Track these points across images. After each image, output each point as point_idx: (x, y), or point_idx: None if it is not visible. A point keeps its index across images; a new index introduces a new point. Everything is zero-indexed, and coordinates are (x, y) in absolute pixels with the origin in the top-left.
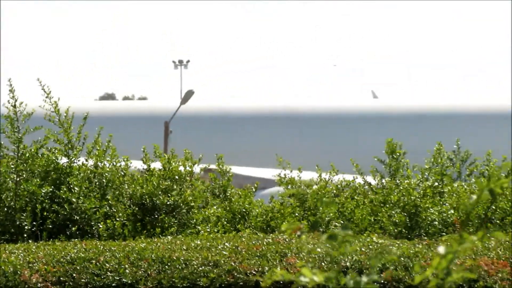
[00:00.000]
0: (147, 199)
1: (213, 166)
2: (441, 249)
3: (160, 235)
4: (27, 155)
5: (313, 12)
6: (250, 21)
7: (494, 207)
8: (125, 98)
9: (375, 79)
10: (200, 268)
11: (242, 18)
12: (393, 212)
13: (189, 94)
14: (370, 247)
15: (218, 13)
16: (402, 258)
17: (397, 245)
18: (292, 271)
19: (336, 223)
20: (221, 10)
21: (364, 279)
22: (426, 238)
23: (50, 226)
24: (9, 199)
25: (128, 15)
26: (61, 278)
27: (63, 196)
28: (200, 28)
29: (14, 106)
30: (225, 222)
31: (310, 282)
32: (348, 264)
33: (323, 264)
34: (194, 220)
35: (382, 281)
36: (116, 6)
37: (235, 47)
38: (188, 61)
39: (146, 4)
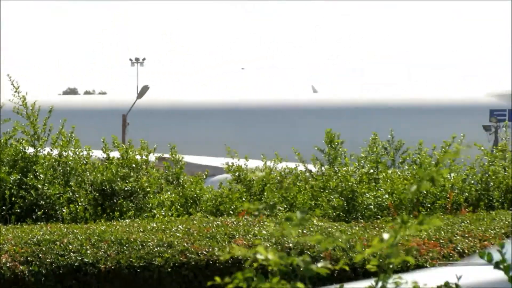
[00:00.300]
0: (107, 185)
1: (167, 155)
2: (386, 235)
3: (118, 219)
4: None
5: (313, 12)
6: (250, 21)
7: (425, 192)
8: (86, 93)
9: (375, 79)
10: (156, 249)
11: (242, 18)
12: (332, 197)
13: (144, 89)
14: (311, 229)
15: (218, 13)
16: (340, 240)
17: (335, 227)
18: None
19: (280, 207)
20: (221, 10)
21: (319, 264)
22: (362, 220)
23: (18, 211)
24: None
25: (128, 15)
26: (29, 258)
27: (30, 183)
28: (200, 28)
29: None
30: (178, 206)
31: (265, 260)
32: (291, 245)
33: (267, 245)
34: (150, 205)
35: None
36: (116, 6)
37: (235, 47)
38: (144, 59)
39: (146, 4)
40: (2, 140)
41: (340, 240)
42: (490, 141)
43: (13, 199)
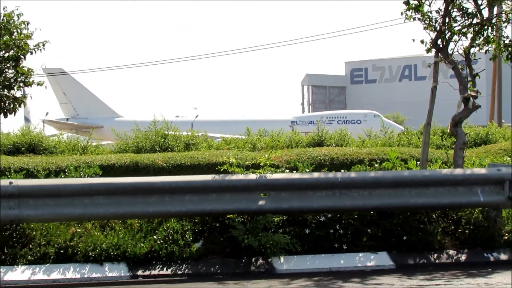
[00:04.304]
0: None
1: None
2: (266, 155)
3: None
4: None
5: (312, 11)
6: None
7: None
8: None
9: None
10: (200, 158)
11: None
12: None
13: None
14: (245, 154)
15: (218, 13)
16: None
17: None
18: None
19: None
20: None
21: (247, 162)
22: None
23: None
24: None
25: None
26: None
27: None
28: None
29: None
30: (206, 147)
31: (232, 161)
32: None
33: (234, 158)
34: (197, 146)
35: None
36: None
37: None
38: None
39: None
40: None
41: (248, 158)
42: (291, 131)
43: None
